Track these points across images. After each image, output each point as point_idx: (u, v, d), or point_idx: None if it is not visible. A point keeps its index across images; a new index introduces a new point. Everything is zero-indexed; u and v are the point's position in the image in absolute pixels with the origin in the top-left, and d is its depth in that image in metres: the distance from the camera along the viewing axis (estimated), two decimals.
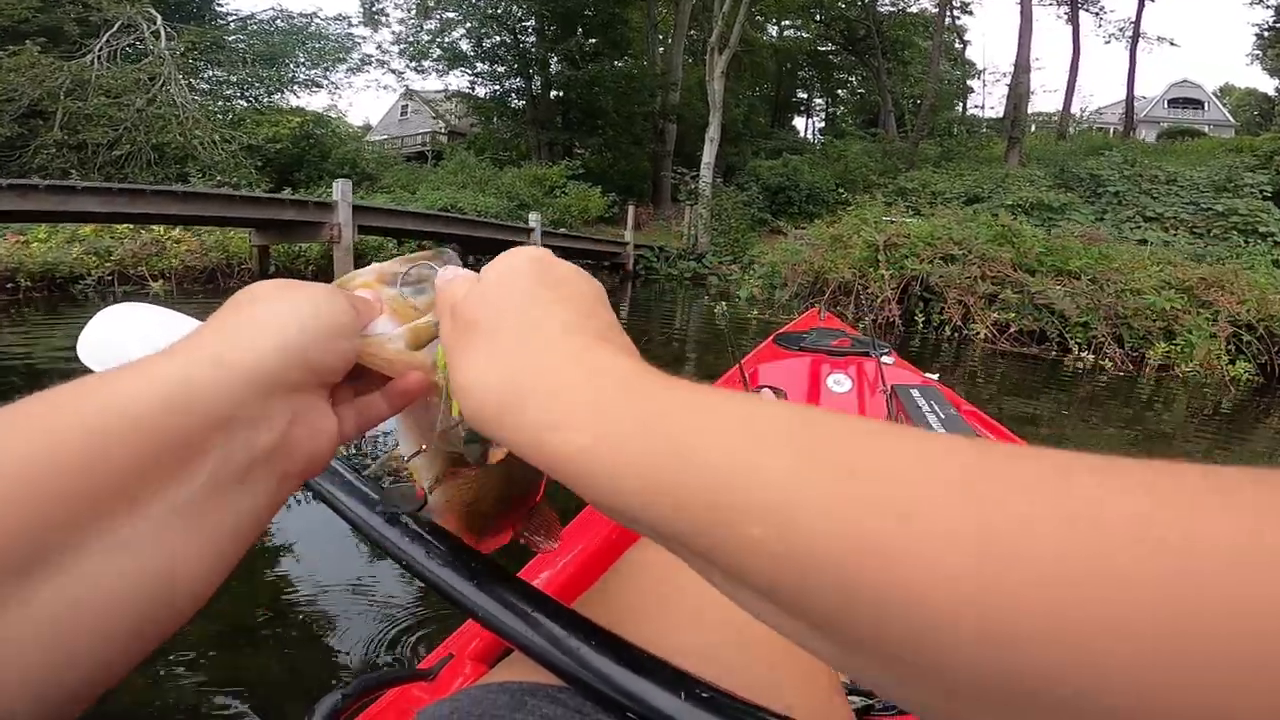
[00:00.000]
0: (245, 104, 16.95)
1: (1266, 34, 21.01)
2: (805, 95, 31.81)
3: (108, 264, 8.27)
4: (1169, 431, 5.20)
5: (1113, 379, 6.84)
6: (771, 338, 2.19)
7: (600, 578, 0.52)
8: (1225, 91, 36.25)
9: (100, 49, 13.55)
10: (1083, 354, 7.39)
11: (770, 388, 1.56)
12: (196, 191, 7.58)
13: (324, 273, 8.99)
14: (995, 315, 7.77)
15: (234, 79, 17.08)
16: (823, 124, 32.10)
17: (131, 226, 8.70)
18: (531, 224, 11.18)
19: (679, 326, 8.36)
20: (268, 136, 14.83)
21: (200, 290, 8.47)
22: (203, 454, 0.23)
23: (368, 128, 29.13)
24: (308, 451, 0.28)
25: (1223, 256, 9.93)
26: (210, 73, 17.00)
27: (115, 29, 13.97)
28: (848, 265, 8.56)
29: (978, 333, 7.78)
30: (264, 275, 9.57)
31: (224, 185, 12.09)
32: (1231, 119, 32.72)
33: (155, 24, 14.06)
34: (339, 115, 22.96)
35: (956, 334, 7.97)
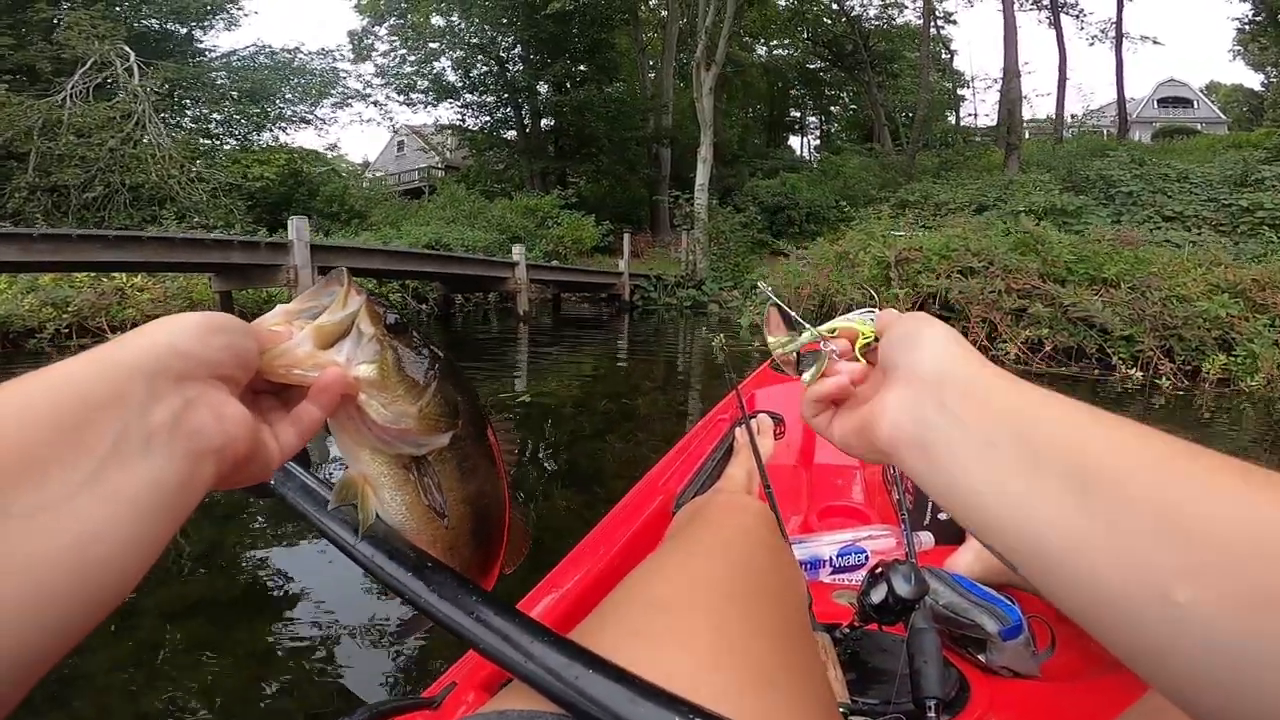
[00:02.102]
0: (233, 142, 16.27)
1: (1248, 27, 20.16)
2: (799, 113, 31.20)
3: (65, 315, 7.44)
4: (1240, 454, 4.29)
5: (1168, 397, 5.82)
6: (768, 362, 2.08)
7: (597, 606, 0.52)
8: (1212, 89, 35.34)
9: (73, 87, 12.82)
10: (1130, 370, 6.32)
11: (768, 413, 1.51)
12: (127, 235, 6.69)
13: None
14: (1026, 332, 6.71)
15: (218, 117, 16.39)
16: (818, 141, 31.42)
17: (92, 275, 7.90)
18: (515, 257, 10.31)
19: (681, 364, 7.37)
20: (254, 175, 14.09)
21: None
22: (96, 428, 0.25)
23: (366, 164, 28.61)
24: (218, 433, 0.29)
25: (1258, 254, 8.89)
26: (194, 111, 16.31)
27: (88, 67, 13.25)
28: (855, 285, 7.53)
29: (1007, 353, 6.72)
30: None
31: (198, 227, 11.27)
32: (1222, 115, 31.81)
33: (129, 60, 13.35)
34: (337, 154, 22.36)
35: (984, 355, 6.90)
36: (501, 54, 19.45)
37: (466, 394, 0.43)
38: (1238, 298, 6.39)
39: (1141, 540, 0.25)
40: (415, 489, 0.41)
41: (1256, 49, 22.86)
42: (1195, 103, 34.00)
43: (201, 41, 18.63)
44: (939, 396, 0.34)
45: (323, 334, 0.36)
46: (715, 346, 7.27)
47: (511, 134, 20.90)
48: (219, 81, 16.82)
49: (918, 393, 0.36)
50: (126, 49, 13.73)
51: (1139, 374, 6.27)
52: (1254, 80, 30.87)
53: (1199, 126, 28.46)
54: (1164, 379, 6.08)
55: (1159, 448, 0.27)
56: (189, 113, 16.46)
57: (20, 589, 0.21)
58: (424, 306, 10.72)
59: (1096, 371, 6.50)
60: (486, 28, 18.84)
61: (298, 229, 7.30)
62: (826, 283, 7.98)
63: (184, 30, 18.45)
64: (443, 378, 0.40)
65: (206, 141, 15.81)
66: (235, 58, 17.66)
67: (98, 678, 1.63)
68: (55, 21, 14.24)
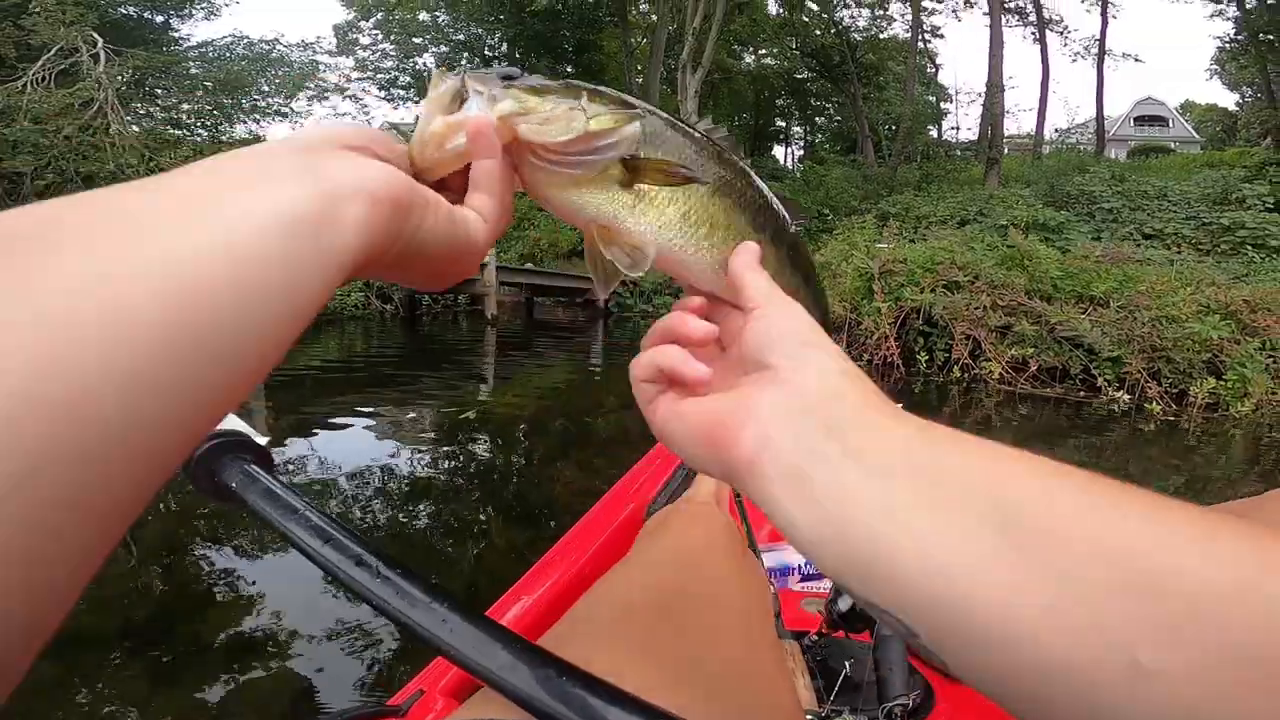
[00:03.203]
0: (204, 133, 15.51)
1: (1228, 46, 20.23)
2: (784, 123, 30.94)
3: None
4: (1222, 480, 4.16)
5: (1158, 422, 5.50)
6: None
7: (567, 612, 0.52)
8: (1187, 108, 35.57)
9: (34, 73, 12.10)
10: (1116, 393, 5.96)
11: None
12: None
13: None
14: (1012, 351, 6.32)
15: (188, 106, 15.63)
16: (802, 152, 31.17)
17: None
18: (485, 258, 9.55)
19: None
20: None
21: None
22: (229, 169, 0.24)
23: None
24: (355, 176, 0.26)
25: (1240, 274, 8.64)
26: (165, 100, 15.57)
27: (53, 53, 12.53)
28: (837, 297, 7.10)
29: (992, 372, 6.32)
30: None
31: None
32: (1196, 135, 32.02)
33: (95, 47, 12.64)
34: None
35: (965, 374, 6.51)
36: (487, 51, 18.90)
37: (616, 98, 0.37)
38: (1228, 319, 6.07)
39: (1093, 593, 0.20)
40: (651, 198, 0.37)
41: (1235, 68, 22.98)
42: (1170, 121, 34.25)
43: (178, 30, 17.88)
44: (827, 417, 0.28)
45: (439, 103, 0.34)
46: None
47: None
48: (192, 71, 16.06)
49: (803, 409, 0.29)
50: (94, 35, 13.04)
51: (1125, 396, 5.93)
52: (1228, 100, 31.20)
53: (1173, 145, 28.63)
54: (1154, 403, 5.74)
55: (1101, 488, 0.23)
56: (160, 102, 15.68)
57: (92, 307, 0.17)
58: (388, 307, 10.15)
59: (1081, 393, 6.17)
60: (473, 25, 18.30)
61: None
62: None
63: (160, 19, 17.70)
64: (595, 89, 0.36)
65: (176, 132, 15.04)
66: (211, 47, 16.86)
67: (54, 688, 1.57)
68: (26, 5, 13.50)
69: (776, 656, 0.54)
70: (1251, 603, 0.19)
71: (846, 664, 0.73)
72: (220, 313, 0.20)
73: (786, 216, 0.45)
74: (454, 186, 0.34)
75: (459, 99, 0.34)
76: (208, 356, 0.19)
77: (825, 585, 1.07)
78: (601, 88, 0.37)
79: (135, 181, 0.22)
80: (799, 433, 0.28)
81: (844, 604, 0.72)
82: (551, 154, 0.35)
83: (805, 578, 1.12)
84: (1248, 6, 17.49)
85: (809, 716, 0.61)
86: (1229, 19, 18.68)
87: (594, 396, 5.33)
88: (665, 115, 0.39)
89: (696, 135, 0.40)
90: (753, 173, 0.43)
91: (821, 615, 0.75)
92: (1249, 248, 10.06)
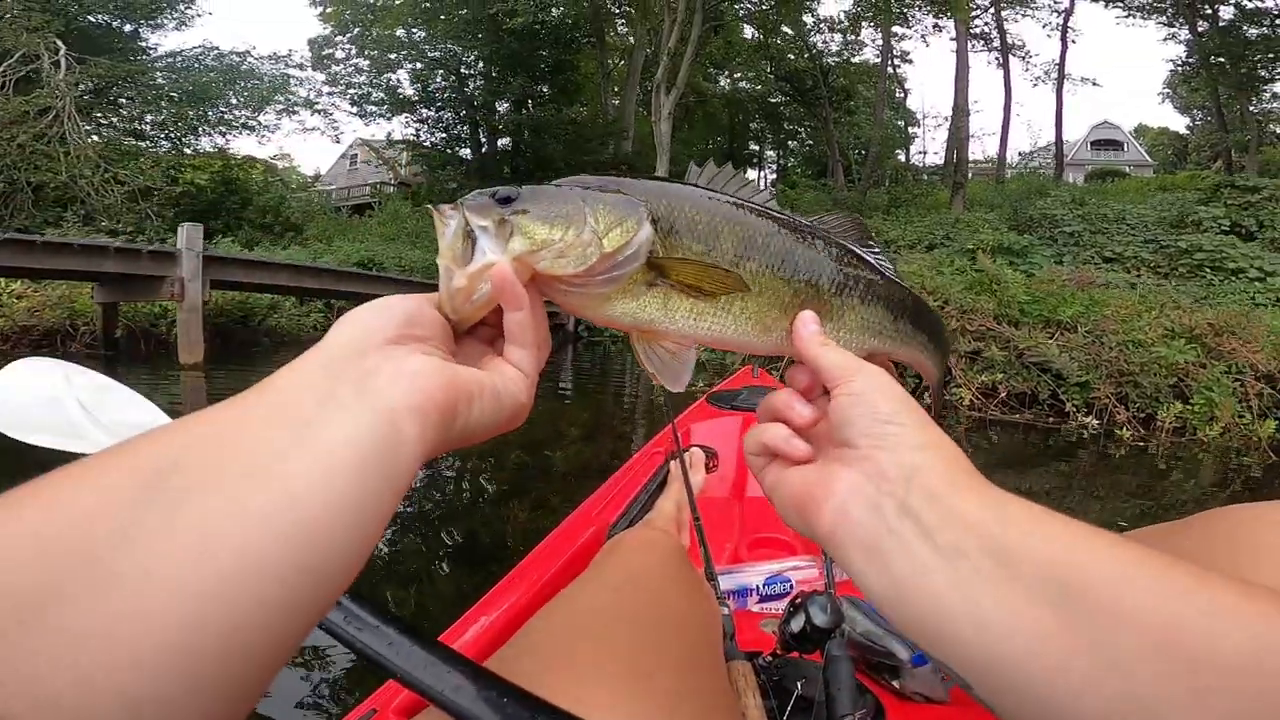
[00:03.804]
0: (167, 145, 14.99)
1: (1181, 69, 20.78)
2: (757, 147, 31.16)
3: None
4: (1192, 503, 4.07)
5: (1128, 447, 5.39)
6: (705, 397, 2.06)
7: (518, 631, 0.53)
8: (1140, 132, 36.71)
9: None
10: (1085, 418, 5.85)
11: (701, 447, 1.54)
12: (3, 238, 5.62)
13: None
14: (982, 377, 6.18)
15: (152, 117, 15.10)
16: (775, 175, 31.42)
17: None
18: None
19: (617, 408, 6.61)
20: (185, 180, 12.90)
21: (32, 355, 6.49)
22: (292, 408, 0.27)
23: (317, 177, 27.24)
24: (405, 390, 0.29)
25: (1199, 296, 8.70)
26: (129, 110, 15.00)
27: (14, 59, 11.98)
28: None
29: (962, 398, 6.17)
30: (109, 338, 7.67)
31: (104, 232, 10.08)
32: (1149, 158, 32.97)
33: (57, 54, 12.11)
34: (289, 165, 21.08)
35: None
36: (462, 69, 18.65)
37: (630, 187, 0.37)
38: (1193, 343, 6.01)
39: (1134, 662, 0.23)
40: (681, 294, 0.37)
41: (1186, 91, 23.66)
42: (1125, 145, 35.25)
43: (147, 40, 17.34)
44: (903, 496, 0.31)
45: (453, 253, 0.34)
46: (657, 387, 6.54)
47: (466, 152, 20.01)
48: (159, 81, 15.55)
49: (879, 488, 0.32)
50: (57, 42, 12.53)
51: (1094, 422, 5.81)
52: (1179, 124, 32.26)
53: (1128, 169, 29.45)
54: (1124, 429, 5.62)
55: (1154, 565, 0.25)
56: (124, 111, 15.12)
57: (237, 554, 0.21)
58: None
59: (1050, 419, 6.04)
60: (449, 42, 18.05)
61: (188, 237, 6.29)
62: None
63: (130, 27, 17.16)
64: (592, 193, 0.36)
65: (138, 143, 14.49)
66: (179, 57, 16.41)
67: None
68: None
69: (721, 677, 0.56)
70: (1269, 666, 0.21)
71: (798, 684, 0.73)
72: (319, 546, 0.23)
73: (870, 263, 0.41)
74: (490, 321, 0.36)
75: (469, 237, 0.34)
76: (310, 580, 0.23)
77: (782, 606, 1.06)
78: (604, 188, 0.36)
79: (224, 412, 0.25)
80: (873, 510, 0.31)
81: (796, 625, 0.72)
82: (575, 282, 0.35)
83: (763, 599, 1.11)
84: (1200, 30, 17.78)
85: None
86: (1181, 42, 19.09)
87: (556, 425, 5.02)
88: (678, 185, 0.38)
89: (721, 202, 0.38)
90: (809, 223, 0.40)
91: (776, 636, 0.75)
92: (1207, 270, 10.16)
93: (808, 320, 0.38)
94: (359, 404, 0.27)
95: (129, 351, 6.85)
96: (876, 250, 0.43)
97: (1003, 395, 6.10)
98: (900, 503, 0.30)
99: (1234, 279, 9.89)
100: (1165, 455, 5.31)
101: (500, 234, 0.34)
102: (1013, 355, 6.19)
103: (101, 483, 0.22)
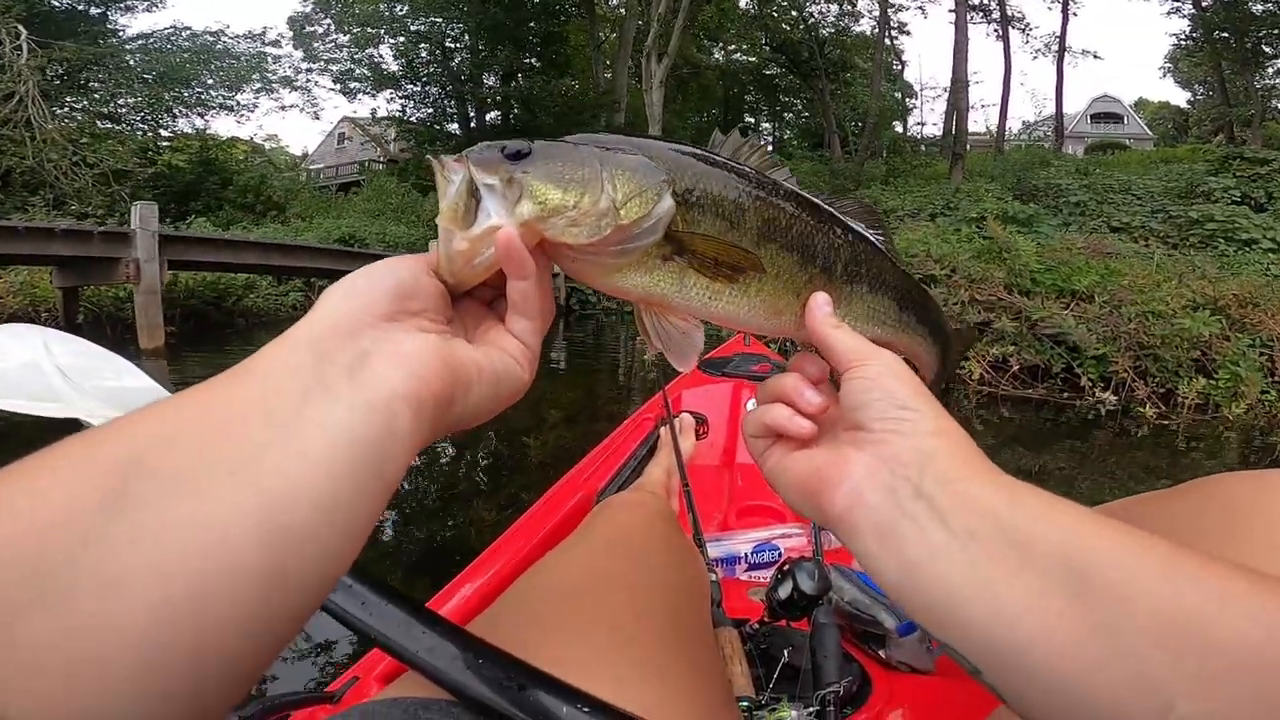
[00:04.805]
0: (144, 127, 14.39)
1: (1184, 43, 20.19)
2: (753, 120, 30.44)
3: None
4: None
5: (1146, 423, 5.03)
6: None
7: (502, 593, 0.51)
8: (1140, 105, 35.88)
9: None
10: (1102, 394, 5.46)
11: (691, 413, 1.51)
12: None
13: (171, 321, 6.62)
14: (993, 350, 5.77)
15: (130, 100, 14.45)
16: (771, 148, 30.68)
17: None
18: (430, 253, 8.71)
19: (609, 384, 6.23)
20: (163, 162, 12.35)
21: None
22: (279, 396, 0.24)
23: (304, 156, 26.50)
24: (399, 378, 0.27)
25: (1218, 267, 8.27)
26: (101, 93, 14.36)
27: None
28: None
29: (971, 373, 5.77)
30: (70, 323, 7.23)
31: (72, 216, 9.58)
32: (1149, 131, 32.29)
33: (19, 38, 11.48)
34: (277, 146, 20.39)
35: None
36: (447, 43, 17.88)
37: (652, 150, 0.34)
38: (1218, 314, 5.60)
39: (1143, 648, 0.23)
40: (698, 269, 0.35)
41: (1187, 66, 23.07)
42: (1125, 118, 34.48)
43: (116, 23, 16.56)
44: (918, 480, 0.30)
45: (454, 214, 0.31)
46: (648, 360, 6.18)
47: (454, 127, 19.30)
48: (129, 63, 14.87)
49: (894, 472, 0.31)
50: (18, 27, 11.86)
51: (1111, 397, 5.43)
52: (1180, 98, 31.53)
53: (1128, 142, 28.83)
54: (1146, 405, 5.23)
55: (1161, 550, 0.25)
56: (96, 95, 14.48)
57: (206, 561, 0.20)
58: None
59: (1064, 394, 5.65)
60: (431, 14, 17.28)
61: (142, 216, 5.82)
62: None
63: (97, 10, 16.39)
64: (611, 154, 0.33)
65: (113, 126, 13.89)
66: (151, 40, 15.68)
67: None
68: None
69: (708, 642, 0.54)
70: (1275, 651, 0.21)
71: (785, 651, 0.71)
72: (305, 549, 0.22)
73: (882, 251, 0.41)
74: (491, 281, 0.33)
75: (474, 194, 0.31)
76: (295, 584, 0.22)
77: (769, 574, 0.98)
78: (621, 148, 0.33)
79: (199, 397, 0.23)
80: (888, 494, 0.31)
81: (783, 592, 0.70)
82: (586, 251, 0.32)
83: (751, 567, 1.08)
84: (1204, 4, 17.36)
85: (744, 703, 0.60)
86: (1184, 16, 18.65)
87: (538, 410, 4.61)
88: (701, 154, 0.35)
89: (746, 173, 0.36)
90: (828, 207, 0.39)
91: (763, 604, 0.73)
92: (1220, 240, 9.73)
93: (821, 303, 0.37)
94: (352, 393, 0.25)
95: (92, 336, 6.45)
96: (884, 237, 0.41)
97: (1014, 369, 5.70)
98: (915, 486, 0.30)
99: (1247, 250, 9.46)
100: (1186, 433, 4.97)
101: (508, 194, 0.31)
102: (1024, 326, 5.78)
103: (62, 486, 0.20)
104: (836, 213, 0.39)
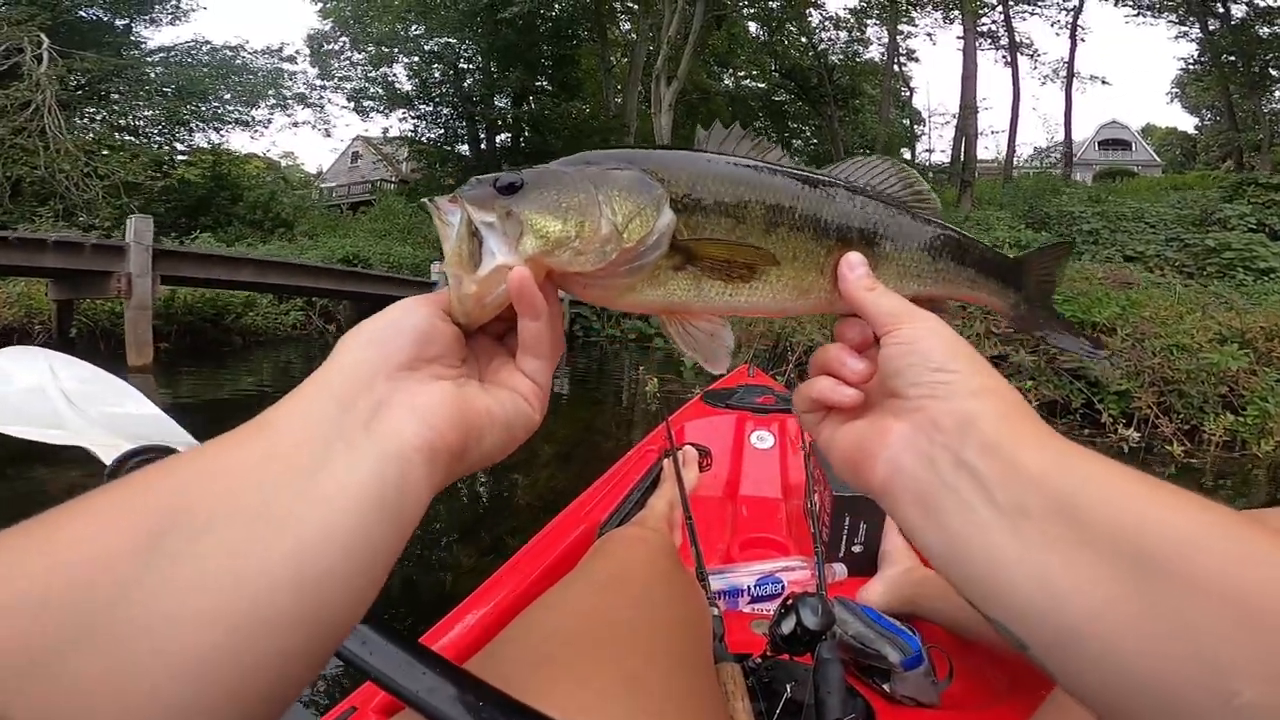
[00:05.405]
0: (160, 140, 14.48)
1: (1192, 67, 20.06)
2: None
3: None
4: None
5: (1170, 460, 4.78)
6: (700, 395, 2.00)
7: (501, 632, 0.51)
8: (1148, 132, 35.71)
9: None
10: (1125, 431, 5.18)
11: (694, 445, 1.51)
12: None
13: (161, 335, 6.45)
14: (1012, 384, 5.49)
15: (149, 113, 14.57)
16: None
17: None
18: (434, 276, 8.73)
19: (609, 418, 5.97)
20: (176, 176, 12.36)
21: None
22: (301, 450, 0.25)
23: (319, 174, 26.70)
24: (414, 431, 0.27)
25: (1240, 297, 7.98)
26: (121, 105, 14.48)
27: None
28: (817, 324, 6.24)
29: None
30: (63, 335, 7.10)
31: (79, 227, 9.52)
32: (1157, 158, 32.07)
33: (40, 48, 11.59)
34: (293, 164, 20.52)
35: None
36: (460, 63, 18.00)
37: (641, 160, 0.34)
38: (1246, 348, 5.33)
39: (1206, 631, 0.22)
40: (709, 274, 0.35)
41: (1195, 91, 22.93)
42: (1133, 145, 34.29)
43: (140, 35, 16.83)
44: (958, 448, 0.29)
45: (460, 256, 0.31)
46: (649, 393, 5.95)
47: (465, 149, 19.36)
48: (149, 76, 15.02)
49: (931, 440, 0.30)
50: (41, 36, 12.00)
51: (1134, 434, 5.14)
52: (1188, 123, 31.36)
53: (1136, 168, 28.64)
54: (1174, 443, 4.95)
55: (1229, 528, 0.23)
56: (115, 106, 14.61)
57: (244, 605, 0.21)
58: (330, 327, 9.05)
59: (1084, 430, 5.38)
60: (446, 35, 17.42)
61: (137, 230, 5.68)
62: (783, 321, 6.64)
63: (123, 22, 16.64)
64: (603, 175, 0.32)
65: (129, 138, 13.97)
66: (172, 53, 15.88)
67: None
68: None
69: (710, 680, 0.54)
70: None
71: (788, 686, 0.70)
72: (332, 593, 0.23)
73: (897, 204, 0.39)
74: (503, 315, 0.33)
75: (474, 234, 0.31)
76: (324, 625, 0.23)
77: (773, 607, 0.94)
78: (611, 164, 0.33)
79: (231, 449, 0.24)
80: (927, 464, 0.29)
81: (787, 627, 0.68)
82: (596, 276, 0.33)
83: (754, 599, 1.07)
84: (1211, 29, 17.24)
85: None
86: (1192, 40, 18.55)
87: (530, 444, 4.37)
88: (691, 154, 0.35)
89: (740, 164, 0.35)
90: (830, 178, 0.38)
91: (766, 638, 0.72)
92: (1239, 269, 9.43)
93: (854, 263, 0.35)
94: (369, 445, 0.25)
95: (85, 351, 6.32)
96: (920, 190, 0.40)
97: (1033, 405, 5.43)
98: (955, 456, 0.28)
99: (1265, 279, 9.17)
100: (1213, 470, 4.70)
101: (509, 230, 0.31)
102: (1043, 360, 5.52)
103: (103, 534, 0.21)
104: (838, 178, 0.37)
